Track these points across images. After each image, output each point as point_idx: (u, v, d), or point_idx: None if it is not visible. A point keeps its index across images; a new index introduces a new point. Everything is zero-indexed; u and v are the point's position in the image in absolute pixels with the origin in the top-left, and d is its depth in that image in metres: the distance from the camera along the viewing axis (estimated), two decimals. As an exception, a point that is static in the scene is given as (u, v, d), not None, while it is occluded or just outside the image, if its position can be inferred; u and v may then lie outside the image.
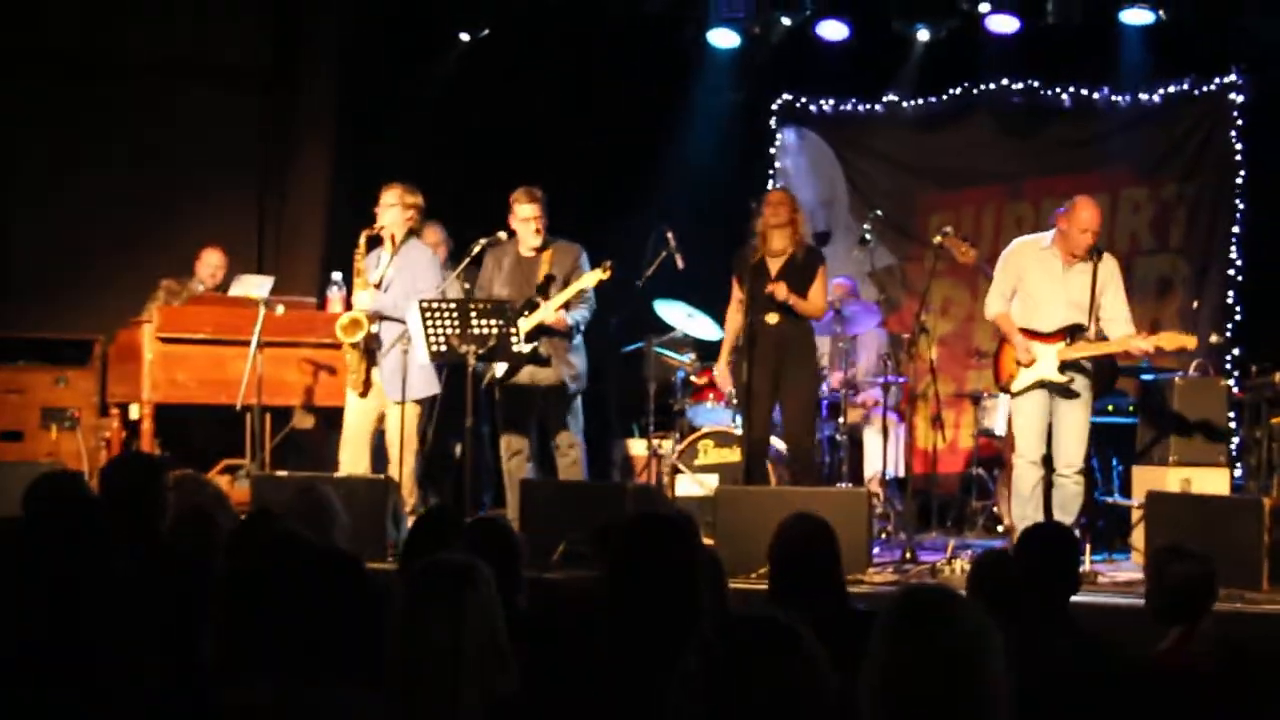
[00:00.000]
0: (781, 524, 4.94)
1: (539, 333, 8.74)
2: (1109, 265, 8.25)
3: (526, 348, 8.63)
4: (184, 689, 3.66)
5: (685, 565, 3.78)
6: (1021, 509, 8.17)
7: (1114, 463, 9.59)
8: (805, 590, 4.73)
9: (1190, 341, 8.04)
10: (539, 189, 8.93)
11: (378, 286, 8.88)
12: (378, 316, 8.86)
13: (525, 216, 8.87)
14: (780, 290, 8.54)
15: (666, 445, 10.09)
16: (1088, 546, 7.85)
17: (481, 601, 3.57)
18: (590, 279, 8.66)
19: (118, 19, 11.29)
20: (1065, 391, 8.11)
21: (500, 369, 8.81)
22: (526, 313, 8.75)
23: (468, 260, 9.09)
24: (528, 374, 8.82)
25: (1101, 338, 8.19)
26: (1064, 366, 8.13)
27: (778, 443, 9.15)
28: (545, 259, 8.91)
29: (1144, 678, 4.57)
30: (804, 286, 8.69)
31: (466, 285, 9.42)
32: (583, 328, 8.90)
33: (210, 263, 10.37)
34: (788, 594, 4.79)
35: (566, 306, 8.76)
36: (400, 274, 8.89)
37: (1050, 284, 8.23)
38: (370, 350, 8.89)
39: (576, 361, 8.90)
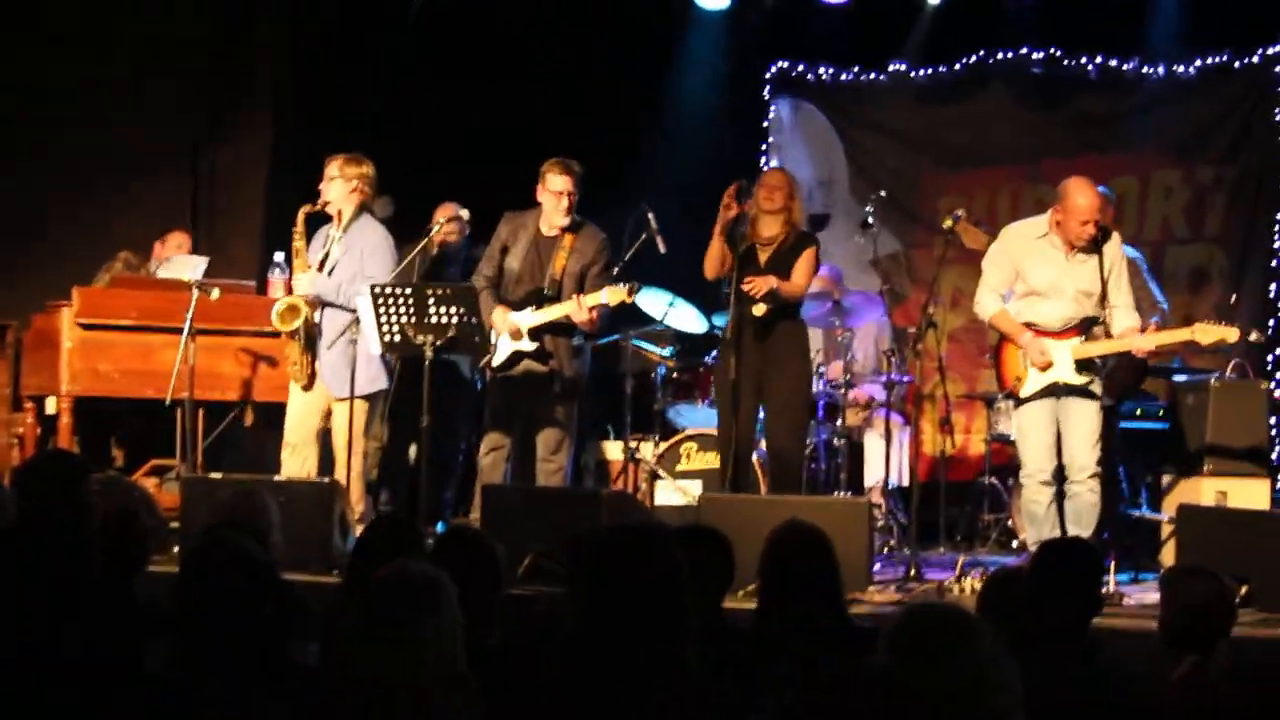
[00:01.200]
0: (772, 533, 4.99)
1: (544, 330, 8.78)
2: (1113, 248, 8.09)
3: (530, 346, 8.72)
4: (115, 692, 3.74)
5: (665, 582, 3.82)
6: (1037, 532, 8.13)
7: (1141, 473, 9.63)
8: (800, 606, 4.78)
9: (1231, 334, 7.90)
10: (576, 162, 8.89)
11: (321, 268, 8.88)
12: (318, 302, 8.85)
13: (558, 189, 8.83)
14: (758, 288, 8.50)
15: (645, 449, 10.13)
16: (1112, 565, 7.86)
17: (442, 625, 3.58)
18: (611, 296, 8.58)
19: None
20: (1083, 393, 8.04)
21: (500, 356, 8.82)
22: (535, 305, 8.78)
23: (422, 247, 9.10)
24: (524, 368, 8.86)
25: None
26: (1081, 366, 8.03)
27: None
28: (566, 243, 8.88)
29: (1156, 708, 4.62)
30: (789, 271, 8.72)
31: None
32: (597, 336, 8.97)
33: (179, 244, 10.31)
34: (781, 610, 4.84)
35: None
36: (347, 255, 8.86)
37: (1054, 274, 8.09)
38: (313, 339, 8.87)
39: (577, 364, 8.94)
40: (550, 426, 8.91)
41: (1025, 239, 8.21)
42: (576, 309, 8.65)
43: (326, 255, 8.90)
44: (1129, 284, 8.16)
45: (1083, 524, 7.96)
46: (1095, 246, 8.03)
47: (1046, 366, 8.04)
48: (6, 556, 4.02)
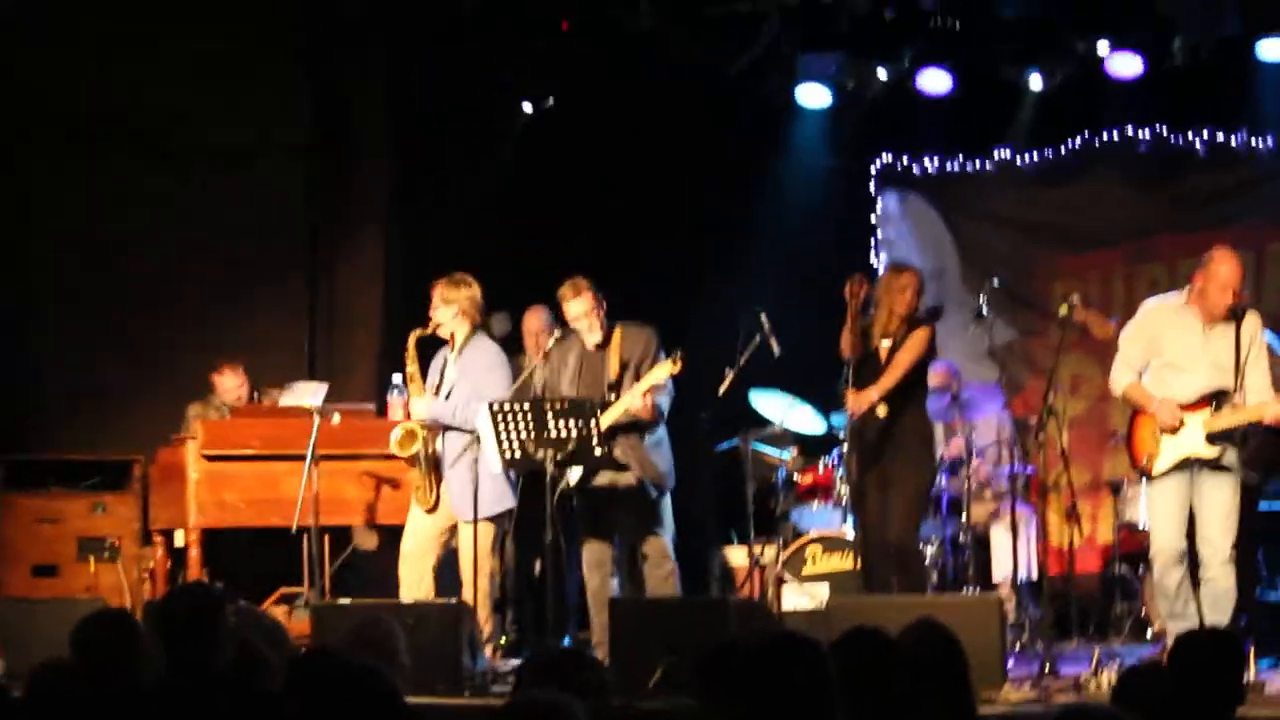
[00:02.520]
0: (903, 631, 4.95)
1: (614, 433, 8.75)
2: (1252, 324, 8.13)
3: (599, 450, 8.67)
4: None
5: (819, 694, 3.81)
6: (1169, 608, 8.13)
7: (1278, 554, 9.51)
8: (930, 702, 4.73)
9: None
10: (583, 278, 8.88)
11: (438, 391, 8.97)
12: (437, 426, 8.92)
13: (575, 314, 8.86)
14: (856, 409, 8.64)
15: (769, 553, 10.13)
16: (1251, 651, 7.76)
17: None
18: (659, 373, 8.62)
19: (152, 102, 11.45)
20: (1215, 466, 8.02)
21: (574, 475, 8.84)
22: (599, 412, 8.79)
23: (543, 356, 9.17)
24: (607, 478, 8.85)
25: None
26: (1212, 438, 8.01)
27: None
28: (613, 348, 8.92)
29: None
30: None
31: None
32: (664, 418, 8.93)
33: (228, 386, 10.42)
34: (911, 707, 4.78)
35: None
36: (463, 376, 8.94)
37: (1191, 347, 8.14)
38: (436, 462, 8.93)
39: (658, 461, 8.90)
40: (651, 534, 8.91)
41: (1164, 312, 8.30)
42: (632, 399, 8.68)
43: (441, 378, 9.00)
44: (1266, 363, 8.14)
45: (1220, 610, 7.91)
46: (1234, 320, 8.07)
47: (1177, 429, 8.03)
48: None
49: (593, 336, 8.91)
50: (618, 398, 8.77)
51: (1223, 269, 8.03)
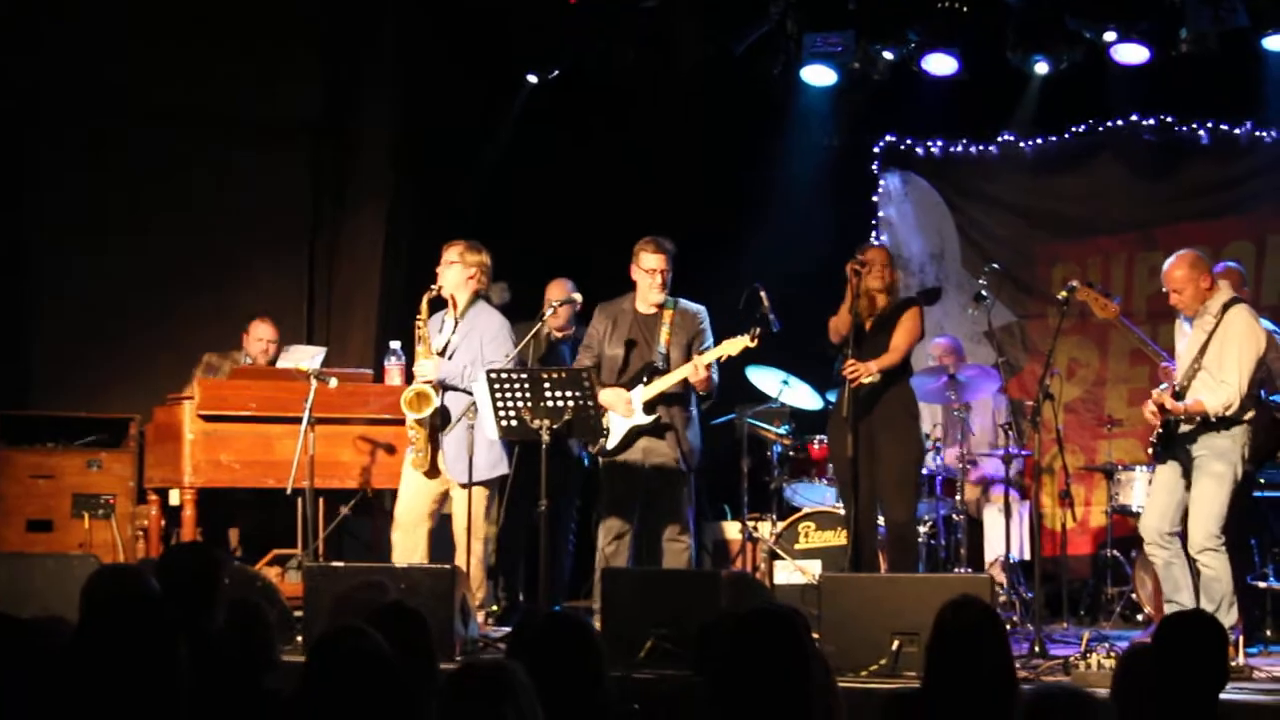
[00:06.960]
0: (943, 608, 4.88)
1: (659, 401, 8.85)
2: (1230, 317, 8.20)
3: (647, 419, 8.79)
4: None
5: (798, 668, 3.84)
6: (1165, 594, 8.24)
7: (1269, 543, 9.53)
8: (972, 691, 4.66)
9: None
10: (669, 240, 9.03)
11: (442, 354, 9.00)
12: (442, 387, 8.94)
13: (651, 267, 8.94)
14: (859, 374, 8.69)
15: (763, 528, 10.17)
16: (1240, 638, 7.82)
17: (520, 712, 3.62)
18: (735, 345, 8.72)
19: (157, 71, 11.46)
20: (1203, 462, 8.17)
21: (615, 437, 8.89)
22: (646, 379, 8.87)
23: (535, 332, 9.17)
24: (640, 449, 8.92)
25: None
26: (1161, 432, 8.26)
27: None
28: (667, 318, 9.00)
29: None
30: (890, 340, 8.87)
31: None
32: (715, 395, 9.03)
33: (260, 336, 10.48)
34: (951, 695, 4.69)
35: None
36: (466, 340, 8.98)
37: (1180, 349, 8.41)
38: (434, 426, 8.97)
39: (691, 436, 8.99)
40: (675, 507, 8.96)
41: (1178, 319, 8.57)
42: (693, 370, 8.73)
43: (447, 341, 9.01)
44: (1235, 357, 8.14)
45: (1208, 596, 8.00)
46: (1215, 318, 8.18)
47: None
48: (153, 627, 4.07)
49: (654, 296, 8.98)
50: (668, 367, 8.83)
51: (1166, 273, 8.32)
